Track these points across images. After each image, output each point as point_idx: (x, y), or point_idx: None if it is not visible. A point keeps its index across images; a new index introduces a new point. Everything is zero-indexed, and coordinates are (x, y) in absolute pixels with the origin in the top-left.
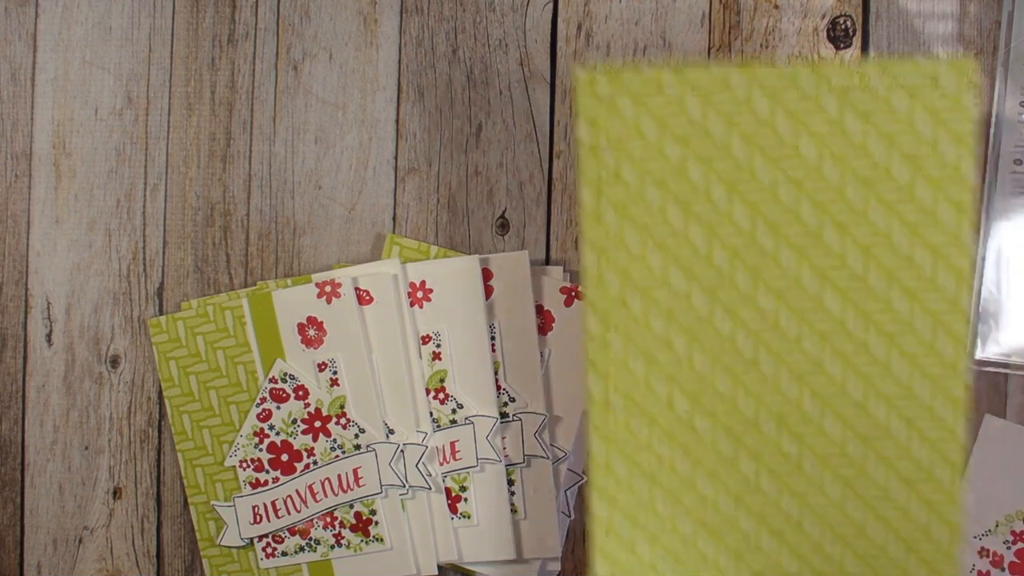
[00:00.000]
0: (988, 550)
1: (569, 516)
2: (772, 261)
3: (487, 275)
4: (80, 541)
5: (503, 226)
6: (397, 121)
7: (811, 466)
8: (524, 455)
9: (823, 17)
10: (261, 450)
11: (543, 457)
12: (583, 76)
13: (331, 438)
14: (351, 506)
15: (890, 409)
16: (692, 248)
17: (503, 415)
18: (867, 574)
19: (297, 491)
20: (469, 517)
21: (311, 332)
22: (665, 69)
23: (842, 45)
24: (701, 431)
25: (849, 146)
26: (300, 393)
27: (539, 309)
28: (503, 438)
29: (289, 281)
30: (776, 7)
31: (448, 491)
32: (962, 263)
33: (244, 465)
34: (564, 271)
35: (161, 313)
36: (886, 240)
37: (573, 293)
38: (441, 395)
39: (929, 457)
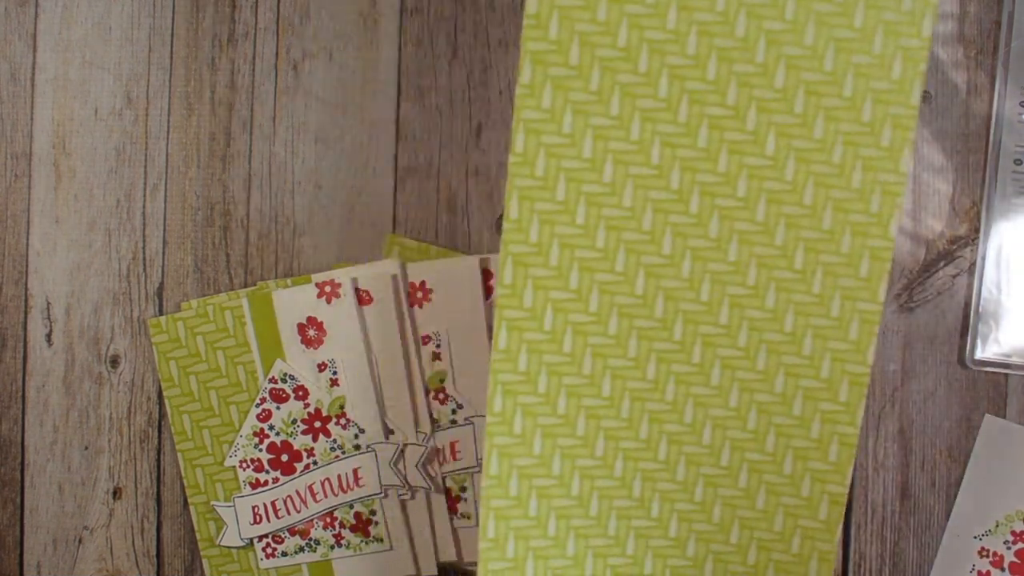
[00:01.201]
0: (988, 550)
1: None
2: (708, 163)
3: (487, 275)
4: (80, 541)
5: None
6: (397, 121)
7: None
8: None
9: None
10: (261, 450)
11: None
12: None
13: (331, 438)
14: (351, 506)
15: (799, 317)
16: (627, 140)
17: None
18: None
19: (297, 491)
20: (469, 517)
21: (311, 332)
22: None
23: None
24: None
25: (803, 52)
26: (300, 393)
27: None
28: None
29: (289, 281)
30: None
31: (448, 492)
32: (893, 180)
33: (244, 465)
34: None
35: (161, 313)
36: (825, 150)
37: None
38: (441, 395)
39: (831, 368)
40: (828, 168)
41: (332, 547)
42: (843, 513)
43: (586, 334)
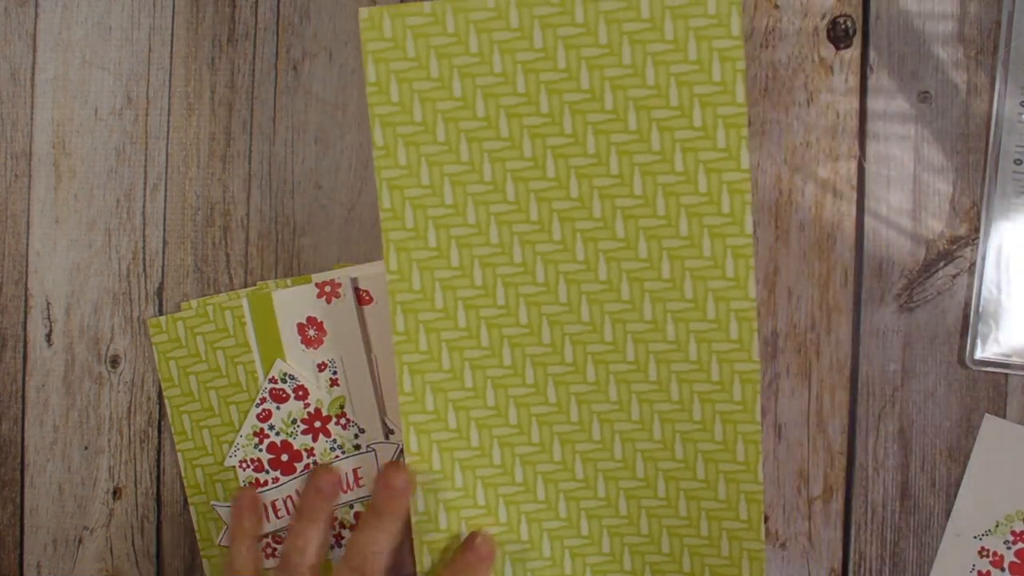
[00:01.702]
0: (988, 550)
1: None
2: (561, 191)
3: None
4: (80, 541)
5: None
6: None
7: (615, 393)
8: None
9: (823, 17)
10: (261, 450)
11: None
12: (366, 16)
13: (331, 438)
14: (351, 506)
15: (679, 324)
16: (482, 182)
17: None
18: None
19: (297, 491)
20: None
21: (311, 332)
22: (447, 3)
23: (842, 45)
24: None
25: (624, 72)
26: (300, 393)
27: None
28: None
29: (289, 281)
30: (776, 7)
31: None
32: (737, 178)
33: (244, 465)
34: None
35: (161, 313)
36: (667, 160)
37: None
38: None
39: (720, 370)
40: (674, 177)
41: (332, 547)
42: (762, 511)
43: (484, 367)
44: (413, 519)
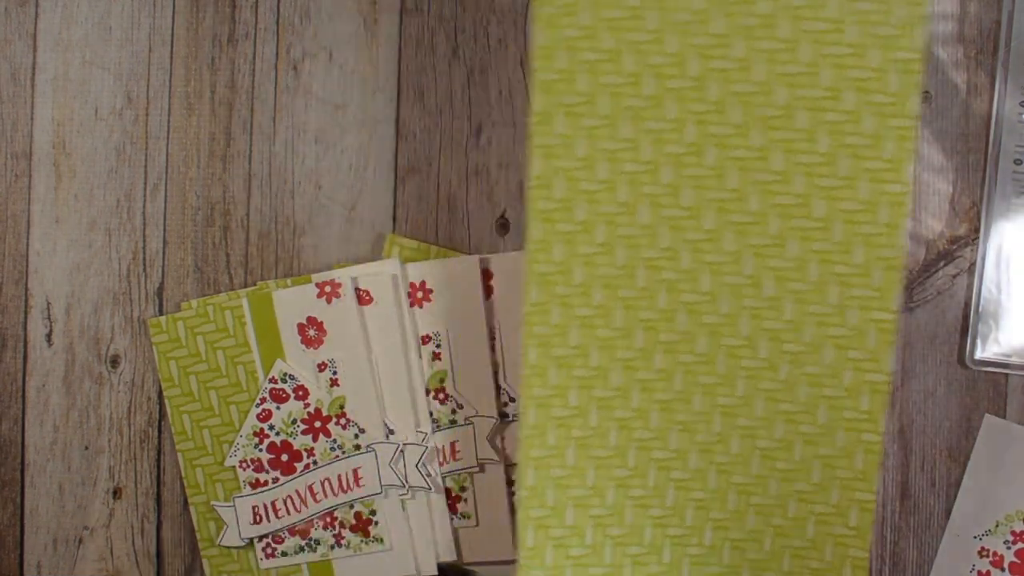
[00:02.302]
0: (988, 550)
1: None
2: (717, 180)
3: (487, 275)
4: (80, 541)
5: (503, 226)
6: (397, 121)
7: (743, 389)
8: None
9: None
10: (261, 450)
11: None
12: None
13: (331, 438)
14: (351, 506)
15: (818, 328)
16: (638, 161)
17: (503, 415)
18: (786, 491)
19: (297, 491)
20: (469, 517)
21: (311, 332)
22: None
23: None
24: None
25: (799, 69)
26: (300, 393)
27: None
28: (502, 438)
29: (289, 281)
30: None
31: (448, 491)
32: (898, 190)
33: (244, 465)
34: None
35: (161, 313)
36: (831, 164)
37: None
38: (441, 395)
39: (852, 377)
40: (835, 181)
41: (332, 547)
42: (872, 520)
43: (613, 348)
44: (521, 494)
